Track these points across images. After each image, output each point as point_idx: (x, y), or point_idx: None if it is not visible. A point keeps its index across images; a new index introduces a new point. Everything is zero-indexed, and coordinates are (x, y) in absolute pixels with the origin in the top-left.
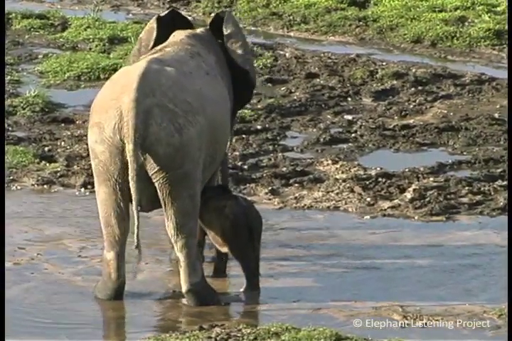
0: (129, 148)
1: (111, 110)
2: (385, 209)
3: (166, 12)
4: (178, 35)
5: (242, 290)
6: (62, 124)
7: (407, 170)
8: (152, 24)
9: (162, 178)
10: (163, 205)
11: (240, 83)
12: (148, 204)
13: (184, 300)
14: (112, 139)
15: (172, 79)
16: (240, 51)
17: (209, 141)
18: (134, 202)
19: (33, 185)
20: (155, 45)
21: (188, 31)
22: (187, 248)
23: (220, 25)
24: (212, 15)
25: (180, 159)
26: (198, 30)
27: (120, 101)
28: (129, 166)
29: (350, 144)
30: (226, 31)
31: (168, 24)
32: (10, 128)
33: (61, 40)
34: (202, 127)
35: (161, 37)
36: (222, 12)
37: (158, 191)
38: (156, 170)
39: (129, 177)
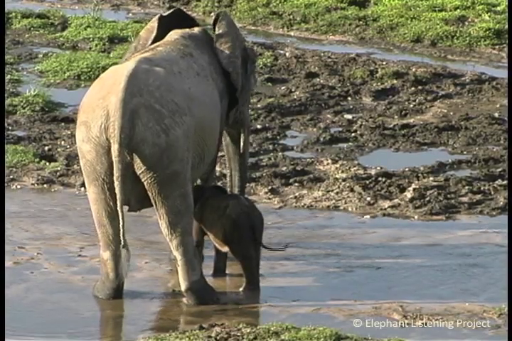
0: (115, 147)
1: (98, 109)
2: (385, 209)
3: (170, 11)
4: (174, 35)
5: (241, 289)
6: (62, 123)
7: (407, 169)
8: (153, 23)
9: (150, 178)
10: (154, 205)
11: (227, 84)
12: (136, 203)
13: (184, 300)
14: (99, 138)
15: (160, 80)
16: (226, 52)
17: (197, 141)
18: (118, 202)
19: (32, 184)
20: (153, 44)
21: (184, 31)
22: (182, 246)
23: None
24: (213, 14)
25: (166, 159)
26: (195, 30)
27: (107, 101)
28: (114, 166)
29: (350, 143)
30: (217, 31)
31: (170, 24)
32: (10, 128)
33: (61, 39)
34: (189, 127)
35: (160, 36)
36: (221, 12)
37: (148, 191)
38: (143, 169)
39: (114, 177)
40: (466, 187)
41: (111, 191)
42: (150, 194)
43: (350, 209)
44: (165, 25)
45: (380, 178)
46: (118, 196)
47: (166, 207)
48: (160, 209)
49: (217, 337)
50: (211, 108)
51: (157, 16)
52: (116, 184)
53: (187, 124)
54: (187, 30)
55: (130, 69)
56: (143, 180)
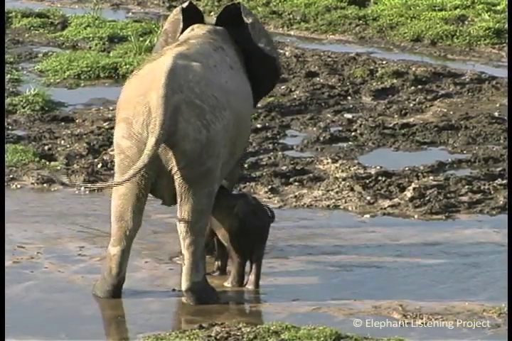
0: (151, 141)
1: (139, 106)
2: (385, 208)
3: (187, 3)
4: (199, 30)
5: (226, 283)
6: (62, 123)
7: (406, 168)
8: (178, 16)
9: (185, 174)
10: (179, 200)
11: (266, 72)
12: (170, 199)
13: (183, 299)
14: (141, 135)
15: (199, 75)
16: (264, 39)
17: (232, 136)
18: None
19: (32, 183)
20: (180, 36)
21: (207, 26)
22: (194, 246)
23: (230, 18)
24: (213, 14)
25: (206, 155)
26: (216, 27)
27: (148, 98)
28: (142, 157)
29: (350, 143)
30: (248, 20)
31: (190, 16)
32: (10, 127)
33: (61, 38)
34: (228, 122)
35: (185, 28)
36: (233, 4)
37: (178, 186)
38: (180, 165)
39: (135, 166)
40: (466, 187)
41: (146, 187)
42: (179, 189)
43: (350, 208)
44: (187, 17)
45: (379, 177)
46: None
47: (191, 204)
48: (183, 206)
49: (217, 337)
50: (245, 101)
51: (179, 9)
52: (120, 179)
53: (226, 119)
54: (208, 25)
55: (169, 65)
56: (177, 177)
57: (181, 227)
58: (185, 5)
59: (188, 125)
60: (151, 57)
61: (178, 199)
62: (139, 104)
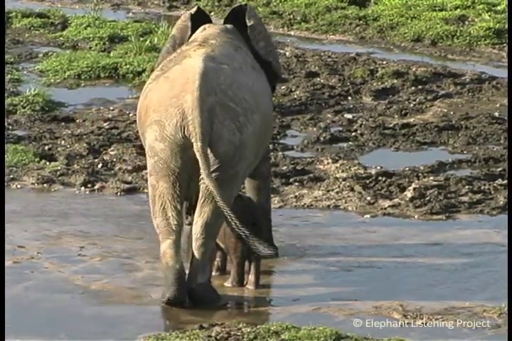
0: (198, 146)
1: (171, 108)
2: (385, 208)
3: (195, 9)
4: (212, 29)
5: (226, 284)
6: (63, 123)
7: (407, 169)
8: (186, 22)
9: (214, 177)
10: (200, 201)
11: (266, 75)
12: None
13: None
14: (174, 137)
15: (230, 78)
16: (262, 43)
17: (259, 139)
18: (219, 198)
19: (33, 183)
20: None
21: (219, 25)
22: (204, 248)
23: (237, 19)
24: (212, 13)
25: (237, 157)
26: (227, 26)
27: (181, 100)
28: (201, 164)
29: (350, 143)
30: (249, 23)
31: (197, 21)
32: (10, 127)
33: (61, 38)
34: (257, 125)
35: (193, 34)
36: (239, 6)
37: (202, 188)
38: (212, 168)
39: (204, 175)
40: (467, 187)
41: (181, 187)
42: (203, 191)
43: (350, 208)
44: (195, 23)
45: (380, 178)
46: (216, 192)
47: (212, 207)
48: (204, 207)
49: (218, 337)
50: (269, 102)
51: (187, 15)
52: (208, 181)
53: (255, 122)
54: (219, 24)
55: (201, 68)
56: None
57: (197, 228)
58: (193, 11)
59: (222, 127)
60: (173, 59)
61: (200, 201)
62: (171, 106)
